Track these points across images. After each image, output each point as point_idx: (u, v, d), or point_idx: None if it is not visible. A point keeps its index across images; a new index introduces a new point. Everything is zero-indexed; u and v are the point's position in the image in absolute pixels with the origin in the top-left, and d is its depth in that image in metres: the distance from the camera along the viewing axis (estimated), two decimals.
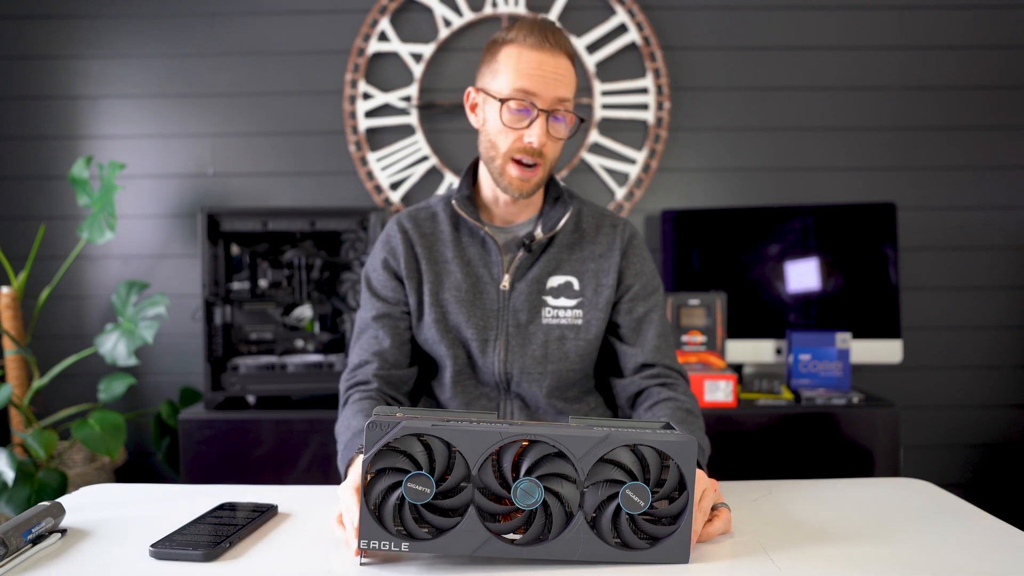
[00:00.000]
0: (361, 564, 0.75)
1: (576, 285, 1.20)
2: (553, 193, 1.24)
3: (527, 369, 1.17)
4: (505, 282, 1.18)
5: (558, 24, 1.12)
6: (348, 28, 2.30)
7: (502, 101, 1.10)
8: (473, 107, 1.19)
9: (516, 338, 1.17)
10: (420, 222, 1.23)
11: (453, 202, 1.20)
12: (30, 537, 0.78)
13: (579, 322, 1.19)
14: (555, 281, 1.20)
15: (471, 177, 1.24)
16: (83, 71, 2.31)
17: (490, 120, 1.14)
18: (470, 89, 1.19)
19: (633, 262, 1.22)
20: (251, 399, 1.98)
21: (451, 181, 2.31)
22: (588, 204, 1.27)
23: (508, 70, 1.11)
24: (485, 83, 1.15)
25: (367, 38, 2.29)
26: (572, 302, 1.19)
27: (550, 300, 1.19)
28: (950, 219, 2.35)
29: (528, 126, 1.11)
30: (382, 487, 0.72)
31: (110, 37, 2.31)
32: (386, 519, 0.72)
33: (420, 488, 0.71)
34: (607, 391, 1.27)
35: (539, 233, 1.18)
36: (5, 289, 2.09)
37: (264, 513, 0.89)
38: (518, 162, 1.13)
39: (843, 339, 1.99)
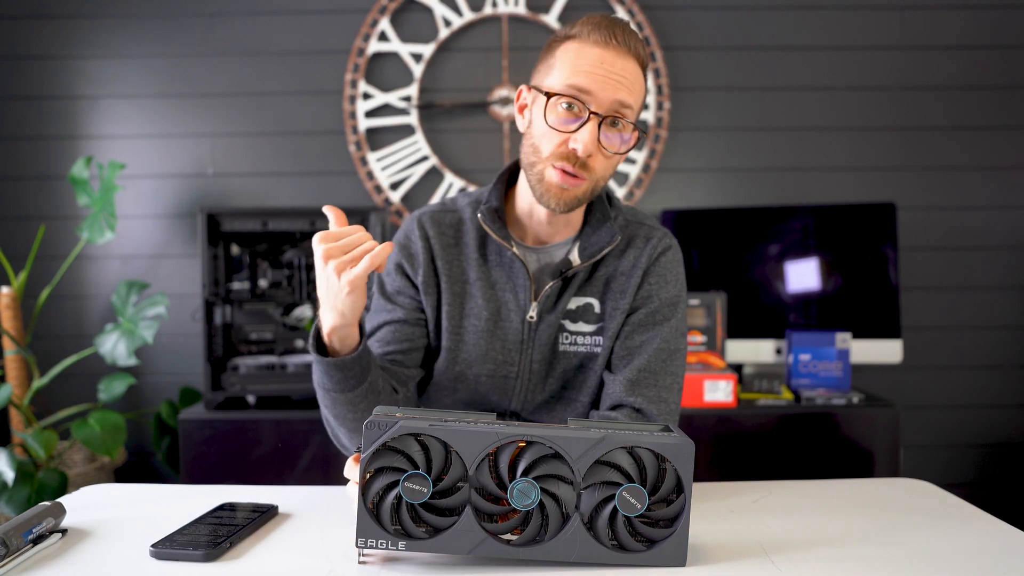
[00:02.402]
0: (360, 563, 0.75)
1: (597, 307, 1.06)
2: (598, 212, 1.07)
3: (541, 405, 1.08)
4: (532, 312, 1.04)
5: (632, 26, 1.02)
6: (348, 28, 2.30)
7: (548, 96, 0.96)
8: (522, 108, 1.04)
9: (538, 375, 1.06)
10: (444, 229, 1.09)
11: (479, 215, 1.05)
12: (31, 537, 0.78)
13: (598, 350, 1.05)
14: (575, 303, 1.06)
15: (503, 185, 1.09)
16: (83, 71, 2.32)
17: (536, 121, 0.99)
18: (522, 87, 1.05)
19: (650, 281, 1.06)
20: (251, 399, 1.98)
21: (451, 181, 2.31)
22: (627, 211, 1.12)
23: (564, 66, 0.96)
24: (538, 81, 1.01)
25: (367, 38, 2.29)
26: (591, 327, 1.06)
27: (568, 324, 1.05)
28: (950, 219, 2.34)
29: (576, 130, 0.96)
30: (379, 486, 0.72)
31: (110, 37, 2.31)
32: (383, 518, 0.72)
33: (417, 488, 0.71)
34: None
35: (576, 259, 1.04)
36: (5, 289, 2.09)
37: (264, 513, 0.89)
38: (562, 169, 0.97)
39: (843, 339, 1.99)
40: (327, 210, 0.89)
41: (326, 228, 2.08)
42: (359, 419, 0.95)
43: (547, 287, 1.04)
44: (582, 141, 0.95)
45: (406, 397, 1.06)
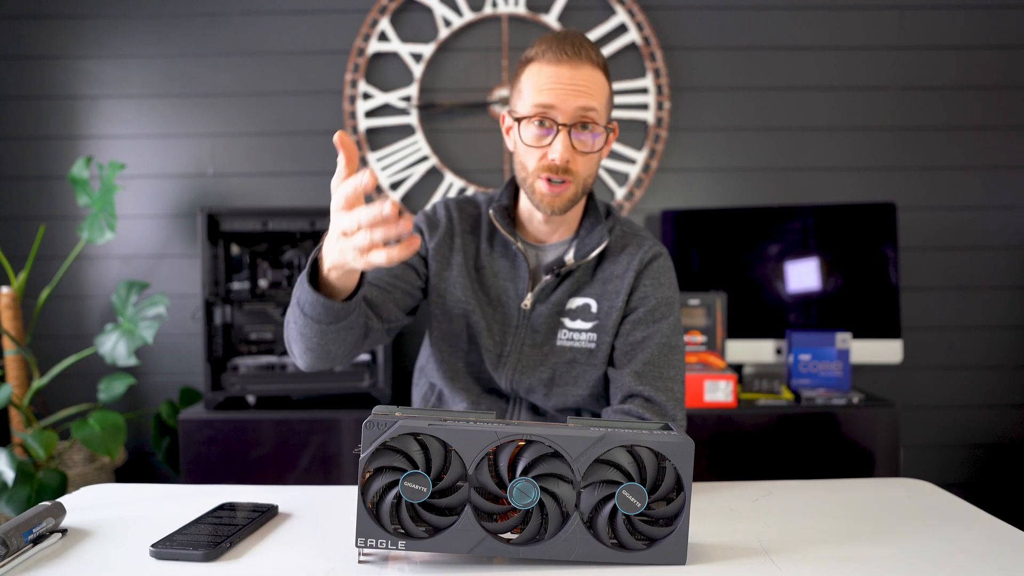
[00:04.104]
0: (360, 563, 0.75)
1: (594, 307, 1.16)
2: (592, 216, 1.19)
3: (533, 388, 1.16)
4: (527, 301, 1.16)
5: (584, 35, 1.11)
6: (348, 28, 2.30)
7: (518, 120, 1.09)
8: (508, 130, 1.17)
9: (529, 358, 1.16)
10: (465, 216, 1.23)
11: (490, 212, 1.19)
12: (31, 537, 0.78)
13: (592, 346, 1.15)
14: (574, 303, 1.17)
15: (513, 188, 1.22)
16: (83, 71, 2.32)
17: (517, 141, 1.12)
18: (503, 113, 1.17)
19: (644, 283, 1.16)
20: (251, 399, 1.98)
21: (451, 181, 2.31)
22: (623, 222, 1.23)
23: (528, 88, 1.09)
24: (513, 105, 1.13)
25: (367, 38, 2.29)
26: (588, 325, 1.16)
27: (567, 322, 1.16)
28: (950, 219, 2.34)
29: (551, 143, 1.08)
30: (379, 486, 0.72)
31: (110, 37, 2.31)
32: (383, 518, 0.72)
33: (417, 487, 0.71)
34: None
35: (570, 259, 1.16)
36: (5, 289, 2.09)
37: (264, 513, 0.89)
38: (548, 180, 1.10)
39: (843, 339, 1.99)
40: (338, 143, 0.81)
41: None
42: (322, 345, 1.00)
43: (543, 281, 1.16)
44: (557, 152, 1.07)
45: (381, 330, 1.10)
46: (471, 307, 1.17)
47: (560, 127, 1.06)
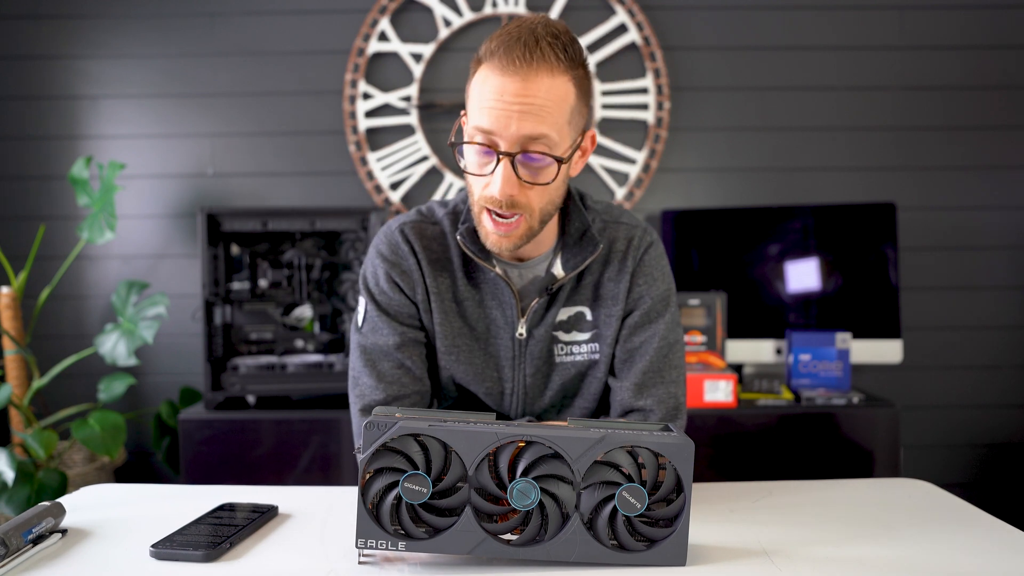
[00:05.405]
0: (360, 563, 0.75)
1: (588, 315, 1.04)
2: (577, 223, 1.03)
3: (546, 411, 1.09)
4: (521, 329, 1.02)
5: (552, 27, 0.90)
6: (348, 28, 2.30)
7: (454, 146, 0.93)
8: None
9: (533, 388, 1.06)
10: (428, 243, 1.04)
11: (459, 237, 1.00)
12: (31, 537, 0.78)
13: (597, 356, 1.05)
14: (565, 313, 1.04)
15: None
16: (83, 71, 2.32)
17: (462, 162, 0.94)
18: (463, 113, 0.99)
19: (639, 283, 1.04)
20: (251, 399, 1.98)
21: (451, 181, 2.31)
22: (601, 211, 1.07)
23: (473, 101, 0.91)
24: (466, 111, 0.95)
25: (367, 38, 2.29)
26: (585, 335, 1.04)
27: (561, 335, 1.04)
28: (950, 219, 2.34)
29: (492, 171, 0.90)
30: (379, 487, 0.72)
31: (110, 37, 2.31)
32: (383, 519, 0.72)
33: (417, 488, 0.71)
34: None
35: (560, 272, 1.01)
36: (5, 289, 2.09)
37: (264, 514, 0.89)
38: (491, 214, 0.93)
39: (843, 339, 1.99)
40: None
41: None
42: None
43: (534, 303, 1.02)
44: (496, 187, 0.89)
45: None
46: (453, 357, 1.04)
47: (501, 157, 0.88)
